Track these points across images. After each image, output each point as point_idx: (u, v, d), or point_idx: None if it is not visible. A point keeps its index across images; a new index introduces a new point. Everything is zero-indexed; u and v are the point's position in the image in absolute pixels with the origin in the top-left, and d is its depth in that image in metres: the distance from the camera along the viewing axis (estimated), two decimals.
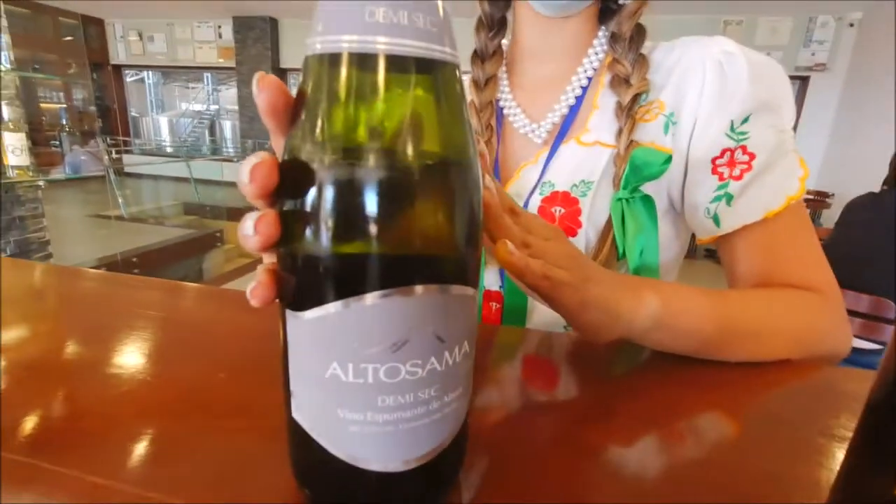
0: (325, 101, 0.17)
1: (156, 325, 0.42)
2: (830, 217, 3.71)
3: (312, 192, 0.17)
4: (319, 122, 0.17)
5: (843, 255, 1.38)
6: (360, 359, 0.18)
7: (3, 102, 1.63)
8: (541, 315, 0.55)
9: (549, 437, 0.29)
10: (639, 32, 0.51)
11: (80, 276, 0.59)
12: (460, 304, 0.20)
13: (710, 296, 0.40)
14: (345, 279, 0.18)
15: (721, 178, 0.47)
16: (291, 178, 0.18)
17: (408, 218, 0.17)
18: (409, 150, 0.17)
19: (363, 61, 0.17)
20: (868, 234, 1.47)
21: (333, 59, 0.17)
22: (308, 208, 0.17)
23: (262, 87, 0.18)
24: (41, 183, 1.97)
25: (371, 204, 0.17)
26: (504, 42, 0.58)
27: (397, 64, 0.17)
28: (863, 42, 4.38)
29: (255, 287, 0.20)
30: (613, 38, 0.52)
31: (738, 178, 0.46)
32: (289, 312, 0.19)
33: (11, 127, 1.62)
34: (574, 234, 0.50)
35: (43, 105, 6.85)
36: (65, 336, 0.41)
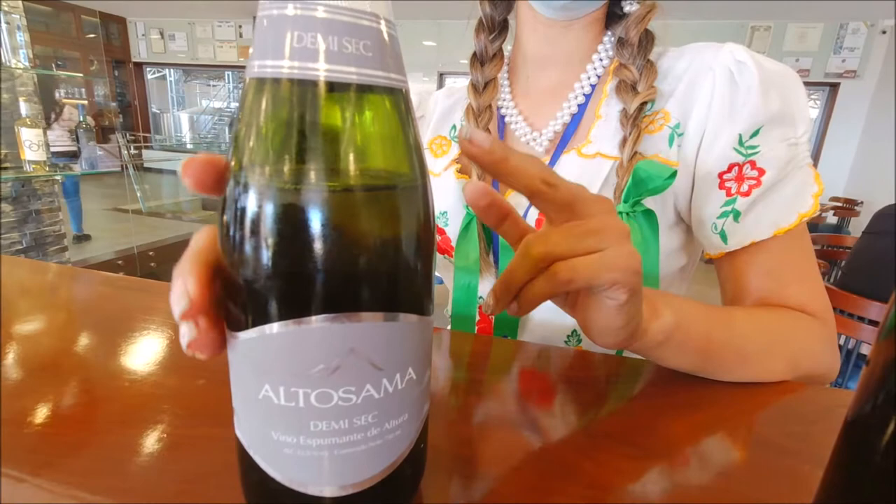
0: (257, 125, 0.17)
1: (142, 328, 0.43)
2: (859, 225, 3.63)
3: (239, 213, 0.17)
4: (251, 146, 0.17)
5: (869, 264, 1.35)
6: (290, 383, 0.18)
7: (20, 99, 1.67)
8: (533, 329, 0.54)
9: (522, 455, 0.28)
10: (647, 38, 0.48)
11: (67, 275, 0.60)
12: (403, 332, 0.19)
13: (719, 314, 0.39)
14: (275, 303, 0.17)
15: (728, 194, 0.45)
16: (225, 196, 0.18)
17: (336, 245, 0.17)
18: (338, 176, 0.17)
19: (293, 86, 0.16)
20: None
21: (261, 84, 0.17)
22: (235, 232, 0.17)
23: (186, 174, 0.18)
24: (58, 177, 2.02)
25: (296, 231, 0.16)
26: (508, 48, 0.57)
27: (330, 88, 0.16)
28: (895, 50, 4.27)
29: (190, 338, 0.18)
30: (620, 44, 0.50)
31: (746, 193, 0.44)
32: (228, 331, 0.19)
33: (28, 123, 1.66)
34: None
35: (65, 101, 6.96)
36: (43, 339, 0.41)
